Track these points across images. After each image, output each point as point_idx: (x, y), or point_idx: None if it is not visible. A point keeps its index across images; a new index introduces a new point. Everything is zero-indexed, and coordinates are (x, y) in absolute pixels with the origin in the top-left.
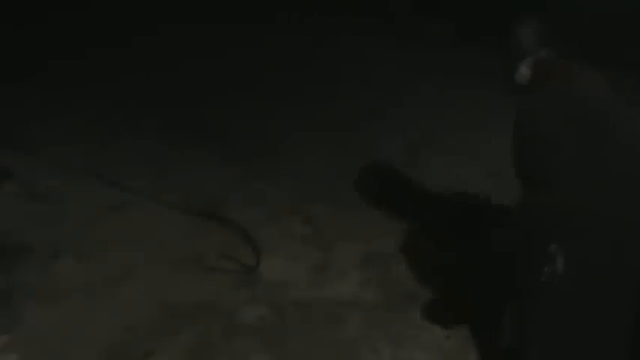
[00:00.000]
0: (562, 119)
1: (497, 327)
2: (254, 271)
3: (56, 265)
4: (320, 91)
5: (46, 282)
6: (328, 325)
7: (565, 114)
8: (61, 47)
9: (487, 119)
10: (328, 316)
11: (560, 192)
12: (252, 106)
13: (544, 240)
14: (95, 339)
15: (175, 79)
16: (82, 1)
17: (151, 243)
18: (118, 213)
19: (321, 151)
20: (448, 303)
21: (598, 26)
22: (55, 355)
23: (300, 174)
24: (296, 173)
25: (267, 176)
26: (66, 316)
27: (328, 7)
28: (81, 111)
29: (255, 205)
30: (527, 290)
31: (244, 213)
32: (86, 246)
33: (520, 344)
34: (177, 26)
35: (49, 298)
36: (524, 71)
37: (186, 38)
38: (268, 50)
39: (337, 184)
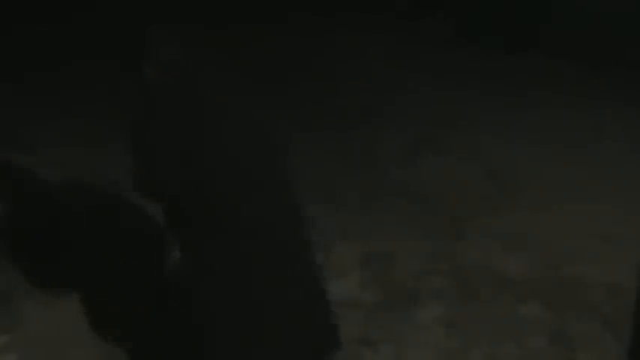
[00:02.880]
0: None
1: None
2: None
3: None
4: (318, 91)
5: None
6: None
7: (189, 115)
8: (61, 47)
9: (487, 119)
10: None
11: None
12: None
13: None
14: (95, 339)
15: None
16: (83, 2)
17: None
18: None
19: (320, 151)
20: None
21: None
22: (55, 355)
23: (299, 174)
24: (294, 173)
25: None
26: (66, 316)
27: (327, 6)
28: (81, 111)
29: None
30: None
31: None
32: None
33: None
34: (175, 27)
35: (49, 298)
36: (149, 72)
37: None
38: (266, 49)
39: (336, 183)
